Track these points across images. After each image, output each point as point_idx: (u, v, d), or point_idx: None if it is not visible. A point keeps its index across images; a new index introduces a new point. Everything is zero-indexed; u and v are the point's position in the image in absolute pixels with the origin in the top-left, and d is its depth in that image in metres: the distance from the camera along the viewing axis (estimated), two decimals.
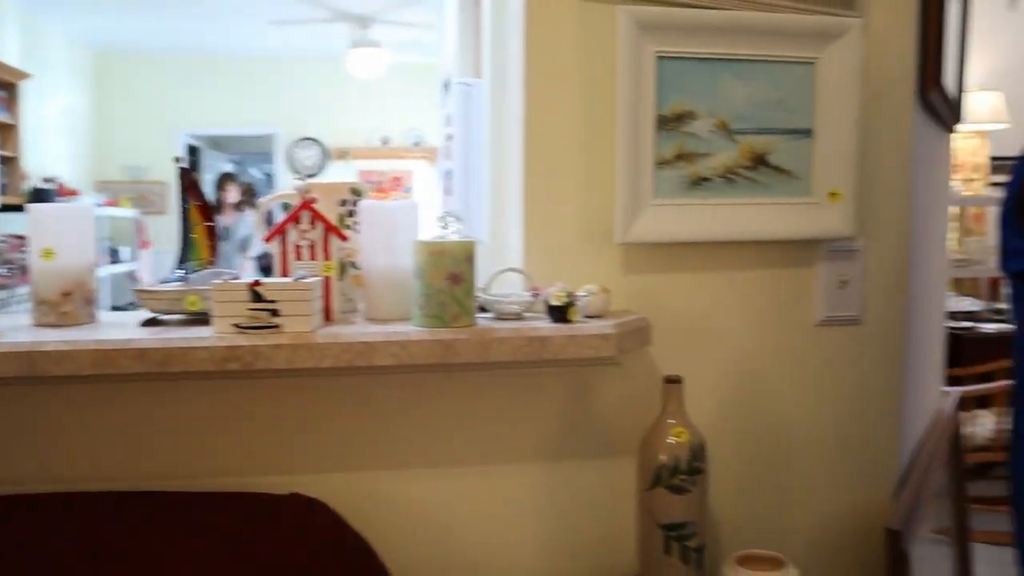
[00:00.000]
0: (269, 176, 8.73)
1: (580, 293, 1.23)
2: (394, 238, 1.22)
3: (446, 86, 2.55)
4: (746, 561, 1.25)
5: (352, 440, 1.29)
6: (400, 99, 7.72)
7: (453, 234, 1.20)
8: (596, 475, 1.38)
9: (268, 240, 1.20)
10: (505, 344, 1.15)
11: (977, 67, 4.81)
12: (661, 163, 1.31)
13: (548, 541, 1.37)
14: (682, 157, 1.32)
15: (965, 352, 3.85)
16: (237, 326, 1.10)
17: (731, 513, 1.42)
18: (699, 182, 1.33)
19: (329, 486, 1.26)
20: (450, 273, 1.15)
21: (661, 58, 1.29)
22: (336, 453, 1.29)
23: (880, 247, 1.44)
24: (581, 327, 1.17)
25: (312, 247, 1.20)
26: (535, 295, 1.24)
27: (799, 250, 1.41)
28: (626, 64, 1.27)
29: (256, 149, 8.77)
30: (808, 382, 1.43)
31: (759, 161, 1.34)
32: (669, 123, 1.31)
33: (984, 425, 3.46)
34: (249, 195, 6.54)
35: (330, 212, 1.24)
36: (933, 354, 2.08)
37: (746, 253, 1.39)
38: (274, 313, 1.10)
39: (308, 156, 8.14)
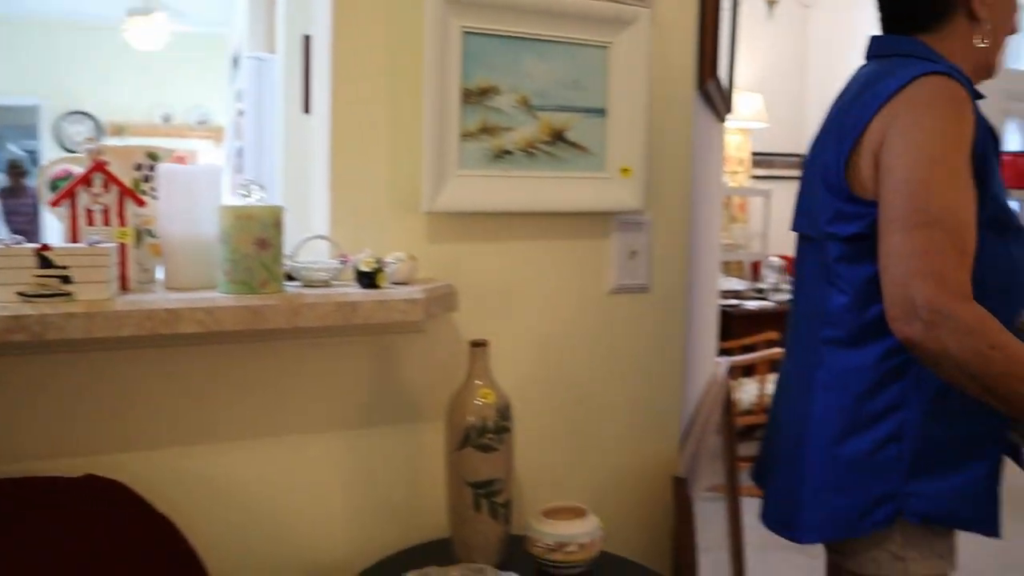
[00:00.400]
0: (32, 153, 7.95)
1: (388, 260, 1.25)
2: (196, 203, 1.17)
3: (235, 61, 2.45)
4: (552, 513, 1.33)
5: (154, 416, 1.23)
6: (184, 73, 7.28)
7: (257, 202, 1.17)
8: (405, 440, 1.40)
9: (55, 204, 1.12)
10: (315, 309, 1.14)
11: (741, 70, 5.27)
12: (466, 135, 1.35)
13: (359, 509, 1.38)
14: (486, 130, 1.37)
15: (732, 327, 4.23)
16: (22, 294, 1.02)
17: (536, 469, 1.50)
18: (502, 155, 1.38)
19: (130, 466, 1.20)
20: (257, 238, 1.13)
21: (467, 33, 1.33)
22: (137, 430, 1.22)
23: (665, 221, 1.57)
24: (390, 292, 1.19)
25: (106, 212, 1.13)
26: (343, 262, 1.25)
27: (594, 222, 1.50)
28: (433, 38, 1.30)
29: (16, 122, 7.94)
30: (602, 345, 1.53)
31: (558, 137, 1.42)
32: (474, 97, 1.35)
33: (748, 391, 3.82)
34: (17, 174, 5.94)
35: (124, 177, 1.18)
36: (709, 325, 2.28)
37: (545, 224, 1.47)
38: (65, 280, 1.04)
39: (79, 132, 7.47)
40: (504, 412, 1.27)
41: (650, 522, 1.61)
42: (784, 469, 1.33)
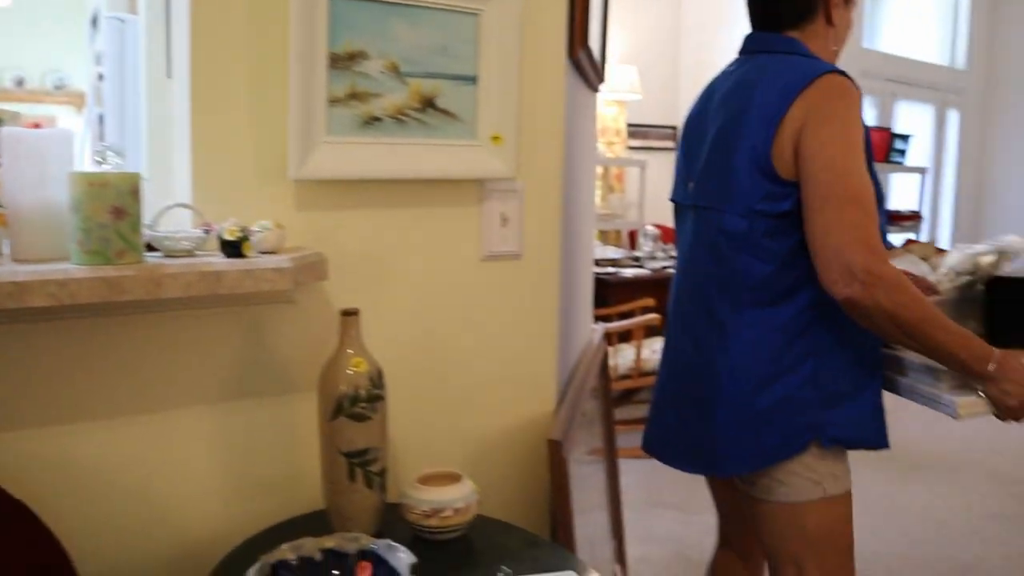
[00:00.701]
0: None
1: (254, 229, 1.22)
2: (45, 170, 1.11)
3: (94, 21, 2.32)
4: (427, 480, 1.34)
5: (6, 397, 1.17)
6: (37, 33, 6.81)
7: (112, 168, 1.12)
8: (278, 412, 1.38)
9: None
10: (177, 280, 1.10)
11: (616, 43, 5.35)
12: (334, 101, 1.33)
13: (234, 483, 1.36)
14: (355, 96, 1.34)
15: (609, 294, 4.33)
16: None
17: (412, 437, 1.50)
18: (371, 121, 1.36)
19: None
20: (112, 207, 1.07)
21: None
22: None
23: (537, 188, 1.59)
24: (256, 262, 1.16)
25: None
26: (207, 231, 1.21)
27: (465, 189, 1.51)
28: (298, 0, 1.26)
29: None
30: (476, 313, 1.55)
31: (428, 104, 1.41)
32: (341, 62, 1.32)
33: (626, 357, 3.93)
34: None
35: None
36: (585, 292, 2.33)
37: (417, 191, 1.46)
38: None
39: None
40: (376, 380, 1.27)
41: (527, 485, 1.64)
42: (700, 417, 1.47)
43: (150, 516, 1.29)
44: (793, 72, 1.35)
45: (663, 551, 2.99)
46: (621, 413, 4.58)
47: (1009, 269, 1.57)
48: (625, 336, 4.44)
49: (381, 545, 1.12)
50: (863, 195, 1.28)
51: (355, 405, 1.24)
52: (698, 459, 1.53)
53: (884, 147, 5.63)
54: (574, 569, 1.21)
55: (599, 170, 5.44)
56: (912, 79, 6.54)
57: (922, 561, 2.92)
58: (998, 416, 1.38)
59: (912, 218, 5.90)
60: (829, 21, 1.45)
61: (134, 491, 1.27)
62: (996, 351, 1.31)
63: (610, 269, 4.60)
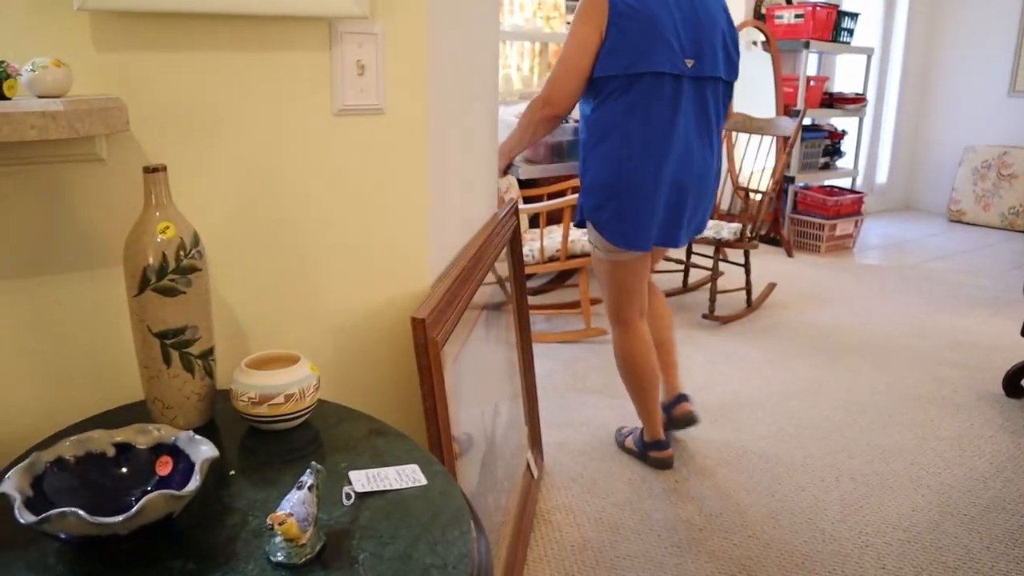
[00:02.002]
0: None
1: (25, 67, 1.00)
2: None
3: None
4: (261, 363, 1.18)
5: None
6: None
7: None
8: (90, 289, 1.20)
9: None
10: None
11: None
12: None
13: (39, 373, 1.19)
14: None
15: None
16: None
17: (252, 318, 1.33)
18: None
19: None
20: None
21: None
22: None
23: (399, 32, 1.37)
24: (18, 104, 0.95)
25: None
26: None
27: (311, 30, 1.29)
28: None
29: None
30: (329, 176, 1.36)
31: None
32: None
33: (554, 239, 3.78)
34: None
35: None
36: (483, 162, 2.14)
37: (253, 31, 1.24)
38: None
39: None
40: (190, 249, 1.09)
41: (395, 365, 1.49)
42: (709, 201, 2.47)
43: None
44: None
45: (582, 435, 2.92)
46: (551, 297, 4.47)
47: None
48: (555, 219, 4.28)
49: (182, 437, 0.96)
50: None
51: (164, 277, 1.06)
52: (695, 232, 2.50)
53: (830, 25, 5.41)
54: (418, 463, 1.07)
55: (534, 46, 5.16)
56: None
57: (842, 444, 2.89)
58: None
59: (856, 100, 5.74)
60: None
61: None
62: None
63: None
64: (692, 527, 2.36)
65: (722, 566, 2.18)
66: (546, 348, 3.75)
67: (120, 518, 0.79)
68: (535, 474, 2.52)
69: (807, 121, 5.76)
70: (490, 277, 2.09)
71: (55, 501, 0.87)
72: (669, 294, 4.60)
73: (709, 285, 4.18)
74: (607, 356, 3.66)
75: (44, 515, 0.78)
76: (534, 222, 4.22)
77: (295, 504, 0.84)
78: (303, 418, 1.15)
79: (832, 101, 5.72)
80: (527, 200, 4.13)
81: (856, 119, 5.90)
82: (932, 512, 2.47)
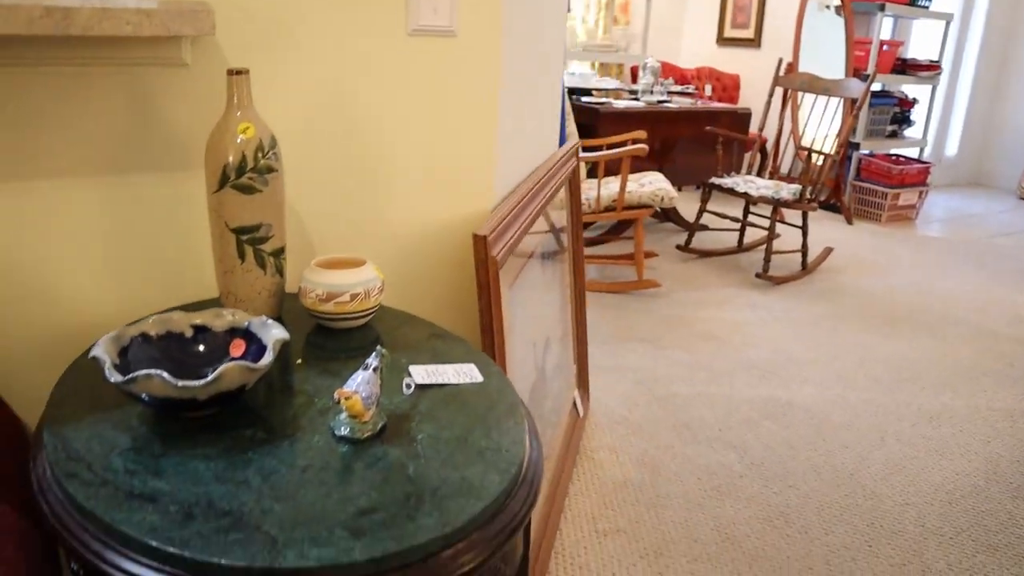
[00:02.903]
0: None
1: None
2: None
3: None
4: (330, 264, 1.23)
5: None
6: None
7: None
8: (171, 189, 1.26)
9: None
10: (16, 14, 0.95)
11: None
12: None
13: (123, 264, 1.26)
14: None
15: (600, 125, 4.14)
16: None
17: (323, 221, 1.39)
18: None
19: None
20: None
21: None
22: None
23: None
24: (116, 0, 1.01)
25: None
26: None
27: None
28: None
29: None
30: (403, 93, 1.40)
31: None
32: None
33: (610, 188, 3.79)
34: None
35: None
36: (547, 100, 2.16)
37: None
38: None
39: None
40: (268, 150, 1.14)
41: (454, 281, 1.54)
42: None
43: (25, 293, 1.19)
44: None
45: (628, 381, 2.96)
46: (605, 249, 4.48)
47: None
48: (613, 170, 4.27)
49: (255, 322, 1.02)
50: None
51: (242, 175, 1.12)
52: None
53: None
54: (476, 363, 1.11)
55: (601, 0, 5.12)
56: None
57: (890, 407, 2.88)
58: None
59: (930, 68, 5.58)
60: None
61: (12, 262, 1.17)
62: None
63: (603, 100, 4.38)
64: (732, 473, 2.39)
65: (759, 511, 2.21)
66: (597, 297, 3.78)
67: (200, 382, 0.85)
68: (581, 413, 2.57)
69: (877, 87, 5.62)
70: (544, 225, 2.12)
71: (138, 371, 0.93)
72: (724, 253, 4.57)
73: (764, 246, 4.14)
74: (657, 308, 3.68)
75: (131, 375, 0.84)
76: (591, 173, 4.22)
77: (360, 383, 0.89)
78: (367, 318, 1.21)
79: (905, 67, 5.57)
80: (585, 150, 4.13)
81: (929, 87, 5.75)
82: (977, 478, 2.46)
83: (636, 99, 4.56)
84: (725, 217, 4.45)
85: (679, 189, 5.67)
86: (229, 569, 0.69)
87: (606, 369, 3.05)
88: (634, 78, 5.29)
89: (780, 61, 4.39)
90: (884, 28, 5.35)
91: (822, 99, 4.52)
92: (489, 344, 1.37)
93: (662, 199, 3.80)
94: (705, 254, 4.52)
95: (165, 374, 0.84)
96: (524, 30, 1.64)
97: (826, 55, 5.32)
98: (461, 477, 0.83)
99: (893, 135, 5.69)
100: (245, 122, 1.12)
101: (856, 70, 5.29)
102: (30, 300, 1.20)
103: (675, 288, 3.95)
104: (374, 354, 0.92)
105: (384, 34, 1.35)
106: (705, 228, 4.75)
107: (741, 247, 4.61)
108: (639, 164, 4.37)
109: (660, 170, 4.59)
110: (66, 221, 1.20)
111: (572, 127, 4.01)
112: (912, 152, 5.96)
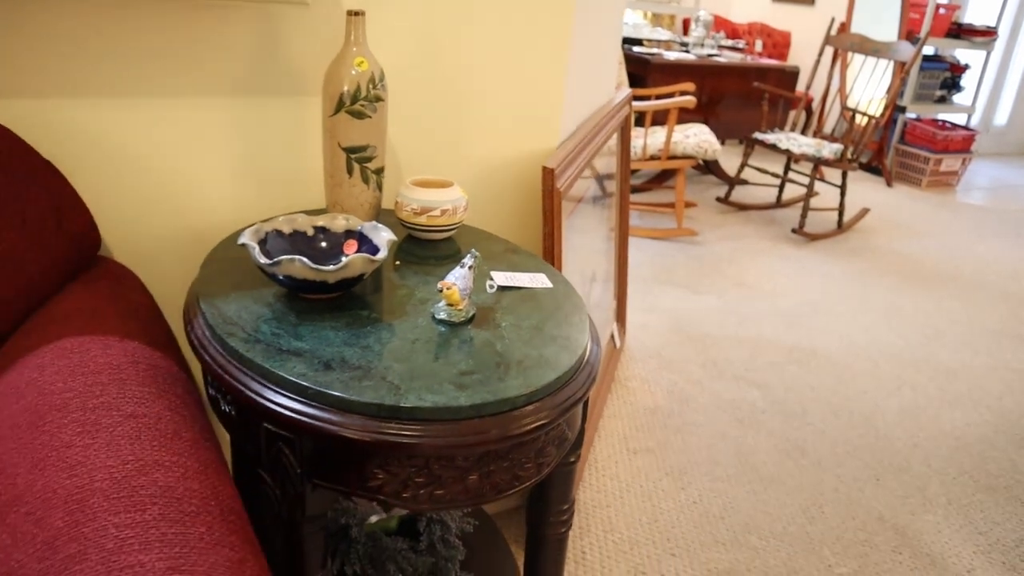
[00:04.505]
0: None
1: None
2: None
3: None
4: (422, 183, 1.43)
5: (33, 64, 1.25)
6: None
7: None
8: (289, 112, 1.45)
9: None
10: None
11: None
12: None
13: (244, 174, 1.46)
14: None
15: (650, 76, 4.26)
16: None
17: (414, 144, 1.58)
18: None
19: (9, 112, 1.23)
20: None
21: None
22: (20, 78, 1.24)
23: None
24: None
25: None
26: None
27: None
28: None
29: None
30: (485, 33, 1.57)
31: None
32: None
33: (657, 138, 3.93)
34: None
35: None
36: (608, 46, 2.31)
37: None
38: None
39: None
40: (378, 82, 1.32)
41: (522, 214, 1.73)
42: None
43: (160, 192, 1.40)
44: None
45: (663, 321, 3.15)
46: (647, 197, 4.63)
47: None
48: (659, 120, 4.40)
49: (367, 226, 1.22)
50: None
51: (356, 102, 1.31)
52: None
53: None
54: (546, 273, 1.31)
55: None
56: None
57: (910, 360, 3.04)
58: None
59: (986, 33, 5.58)
60: None
61: (148, 165, 1.38)
62: None
63: (654, 50, 4.48)
64: (756, 409, 2.59)
65: (778, 443, 2.41)
66: (638, 241, 3.96)
67: (332, 267, 1.05)
68: (618, 344, 2.77)
69: (929, 50, 5.64)
70: (590, 172, 2.29)
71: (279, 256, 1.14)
72: (762, 207, 4.71)
73: (802, 202, 4.28)
74: (694, 255, 3.84)
75: (277, 259, 1.05)
76: (639, 121, 4.35)
77: (457, 278, 1.09)
78: (452, 231, 1.41)
79: (959, 32, 5.58)
80: (635, 99, 4.26)
81: (983, 53, 5.75)
82: (986, 428, 2.63)
83: (686, 51, 4.66)
84: (766, 172, 4.58)
85: (722, 142, 5.77)
86: (363, 404, 0.90)
87: (642, 309, 3.24)
88: (685, 30, 5.36)
89: (832, 20, 4.46)
90: None
91: (871, 60, 4.59)
92: (550, 264, 1.57)
93: (706, 151, 3.94)
94: (743, 207, 4.65)
95: (305, 259, 1.04)
96: None
97: (881, 16, 5.35)
98: (539, 354, 1.03)
99: (942, 100, 5.72)
100: (360, 57, 1.31)
101: (910, 32, 5.32)
102: (165, 202, 1.41)
103: (712, 239, 4.11)
104: (469, 255, 1.12)
105: None
106: (745, 183, 4.88)
107: (779, 203, 4.73)
108: (685, 116, 4.49)
109: (705, 122, 4.70)
110: (197, 134, 1.40)
111: (623, 76, 4.14)
112: (960, 119, 5.99)
